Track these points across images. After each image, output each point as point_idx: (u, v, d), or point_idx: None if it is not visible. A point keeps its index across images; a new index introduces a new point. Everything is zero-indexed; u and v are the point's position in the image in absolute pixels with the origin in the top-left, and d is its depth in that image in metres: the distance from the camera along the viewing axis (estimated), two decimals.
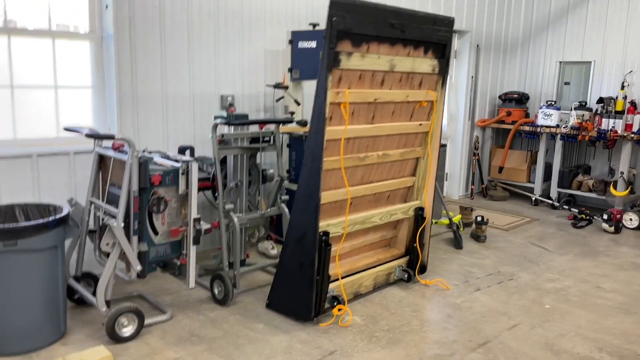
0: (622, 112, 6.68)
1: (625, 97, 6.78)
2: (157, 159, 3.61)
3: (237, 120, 3.96)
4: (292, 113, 4.87)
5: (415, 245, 4.30)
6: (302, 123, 4.54)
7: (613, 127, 6.57)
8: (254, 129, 4.16)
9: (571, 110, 6.96)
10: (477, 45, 7.42)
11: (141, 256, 3.36)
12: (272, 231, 5.07)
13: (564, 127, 6.90)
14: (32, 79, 3.98)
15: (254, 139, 4.16)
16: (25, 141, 3.96)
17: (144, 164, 3.28)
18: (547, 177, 7.33)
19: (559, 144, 7.06)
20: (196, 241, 3.51)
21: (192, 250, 3.52)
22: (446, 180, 7.61)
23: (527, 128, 7.28)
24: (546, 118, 7.14)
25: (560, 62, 7.60)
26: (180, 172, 3.47)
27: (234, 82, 4.94)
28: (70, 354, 3.01)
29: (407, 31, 3.67)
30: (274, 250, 4.87)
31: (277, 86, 4.88)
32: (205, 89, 4.75)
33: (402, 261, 4.36)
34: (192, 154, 4.13)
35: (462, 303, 4.05)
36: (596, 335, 3.60)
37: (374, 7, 3.41)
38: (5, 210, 3.36)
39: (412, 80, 3.94)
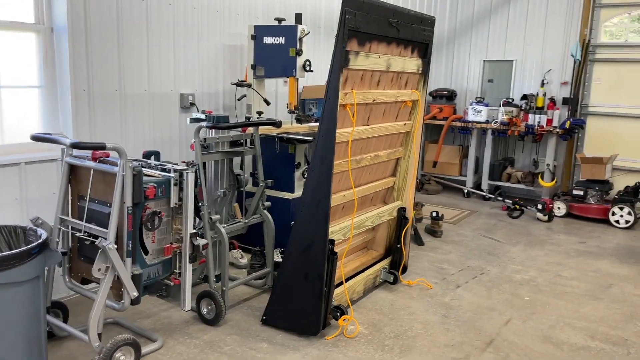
0: (542, 108, 7.18)
1: (545, 94, 7.30)
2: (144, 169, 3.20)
3: (219, 122, 3.63)
4: (260, 113, 4.59)
5: (398, 245, 4.26)
6: (278, 124, 4.29)
7: (539, 122, 7.02)
8: (233, 132, 3.85)
9: (500, 106, 7.35)
10: None
11: (135, 280, 2.95)
12: (240, 240, 4.75)
13: (494, 123, 7.26)
14: None
15: (232, 143, 3.86)
16: None
17: (138, 176, 2.88)
18: (476, 170, 7.69)
19: (489, 138, 7.42)
20: (193, 259, 3.17)
21: (188, 269, 3.17)
22: None
23: (459, 124, 7.56)
24: (476, 114, 7.46)
25: (484, 60, 8.00)
26: (173, 182, 3.10)
27: (193, 80, 4.55)
28: None
29: (401, 30, 3.59)
30: (244, 259, 4.58)
31: (241, 84, 4.57)
32: (165, 88, 4.32)
33: (385, 263, 4.30)
34: (157, 159, 3.73)
35: (451, 302, 4.08)
36: (581, 323, 3.80)
37: (379, 5, 3.28)
38: None
39: (400, 80, 3.87)
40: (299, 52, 4.41)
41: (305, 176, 4.74)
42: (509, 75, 7.84)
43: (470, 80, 8.16)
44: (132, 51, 4.02)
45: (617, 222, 6.34)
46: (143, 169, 3.20)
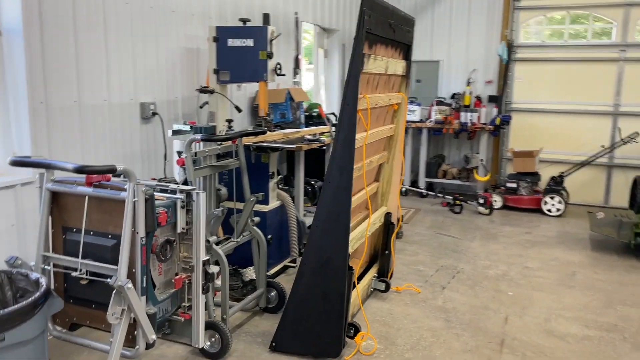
0: (469, 106, 7.48)
1: (471, 93, 7.61)
2: None
3: (207, 134, 3.29)
4: (230, 121, 4.24)
5: (387, 252, 4.16)
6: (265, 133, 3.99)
7: (471, 119, 7.31)
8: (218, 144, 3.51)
9: (432, 105, 7.54)
10: (343, 45, 7.51)
11: (150, 320, 2.55)
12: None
13: (429, 122, 7.44)
14: None
15: (218, 156, 3.52)
16: None
17: (150, 201, 2.48)
18: (412, 168, 7.84)
19: (424, 137, 7.59)
20: (206, 289, 2.82)
21: (201, 301, 2.81)
22: None
23: None
24: (410, 114, 7.59)
25: (412, 61, 8.14)
26: (180, 205, 2.73)
27: (152, 87, 4.10)
28: None
29: (396, 32, 3.48)
30: (217, 280, 4.20)
31: (205, 90, 4.20)
32: (125, 97, 3.84)
33: (374, 271, 4.18)
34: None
35: (444, 304, 4.06)
36: (570, 313, 3.95)
37: (385, 6, 3.14)
38: None
39: (389, 82, 3.76)
40: (270, 55, 4.14)
41: (280, 187, 4.49)
42: (436, 75, 8.07)
43: None
44: (90, 54, 3.52)
45: (549, 210, 6.76)
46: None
